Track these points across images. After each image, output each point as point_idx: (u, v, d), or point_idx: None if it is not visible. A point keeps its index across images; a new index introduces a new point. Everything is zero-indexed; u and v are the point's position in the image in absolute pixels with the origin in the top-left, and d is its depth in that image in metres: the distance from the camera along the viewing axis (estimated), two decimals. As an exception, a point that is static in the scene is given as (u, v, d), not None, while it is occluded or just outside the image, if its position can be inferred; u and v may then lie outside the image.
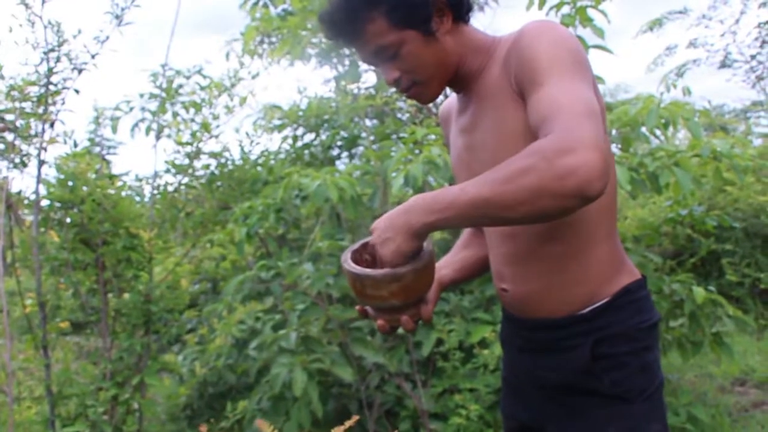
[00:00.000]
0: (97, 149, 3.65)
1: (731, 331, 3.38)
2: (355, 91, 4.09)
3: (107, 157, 3.89)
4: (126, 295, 3.05)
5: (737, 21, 8.04)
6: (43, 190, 2.92)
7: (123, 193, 3.17)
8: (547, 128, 1.01)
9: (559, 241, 1.23)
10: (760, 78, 8.07)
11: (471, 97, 1.32)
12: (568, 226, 1.22)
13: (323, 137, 4.22)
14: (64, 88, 2.79)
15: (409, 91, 1.29)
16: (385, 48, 1.22)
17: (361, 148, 4.10)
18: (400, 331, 1.25)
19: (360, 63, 3.99)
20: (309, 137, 4.31)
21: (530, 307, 1.31)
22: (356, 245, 1.28)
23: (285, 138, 4.36)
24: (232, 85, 3.19)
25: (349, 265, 1.19)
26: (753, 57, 8.17)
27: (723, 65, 8.35)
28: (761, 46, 8.15)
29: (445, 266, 1.48)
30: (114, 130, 3.99)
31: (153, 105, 3.71)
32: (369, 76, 4.36)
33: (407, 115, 3.96)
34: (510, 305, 1.38)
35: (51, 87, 2.76)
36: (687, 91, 3.69)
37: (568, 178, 0.94)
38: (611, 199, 1.24)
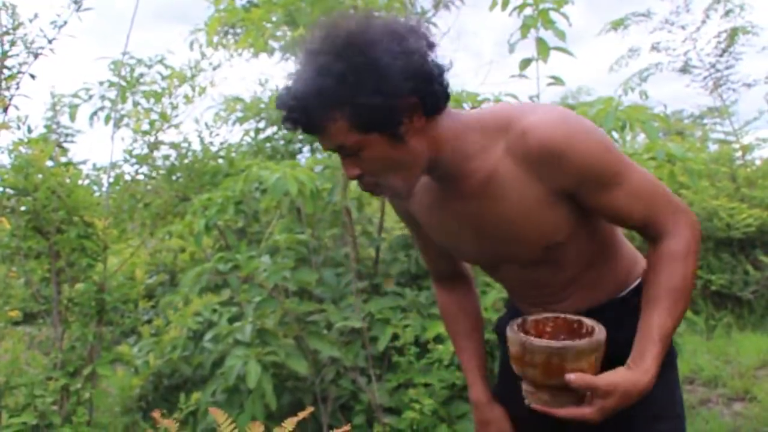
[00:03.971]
0: (54, 136, 3.59)
1: (682, 331, 3.46)
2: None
3: (64, 144, 3.83)
4: (79, 285, 3.01)
5: (698, 29, 8.20)
6: (-5, 176, 2.86)
7: (80, 182, 3.12)
8: (660, 220, 1.22)
9: (595, 267, 1.36)
10: (717, 85, 8.25)
11: (460, 187, 1.24)
12: (599, 254, 1.37)
13: (285, 130, 4.20)
14: (19, 72, 2.73)
15: (374, 192, 1.22)
16: (345, 147, 1.13)
17: (323, 143, 4.09)
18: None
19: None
20: (271, 130, 4.29)
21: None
22: (518, 320, 1.24)
23: (247, 131, 4.33)
24: (193, 76, 3.16)
25: (543, 341, 1.14)
26: (712, 65, 8.34)
27: (683, 71, 8.51)
28: (720, 55, 8.33)
29: (475, 382, 1.56)
30: (72, 117, 3.92)
31: (113, 93, 3.65)
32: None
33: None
34: None
35: (5, 71, 2.70)
36: (644, 95, 3.78)
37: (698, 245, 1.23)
38: None
